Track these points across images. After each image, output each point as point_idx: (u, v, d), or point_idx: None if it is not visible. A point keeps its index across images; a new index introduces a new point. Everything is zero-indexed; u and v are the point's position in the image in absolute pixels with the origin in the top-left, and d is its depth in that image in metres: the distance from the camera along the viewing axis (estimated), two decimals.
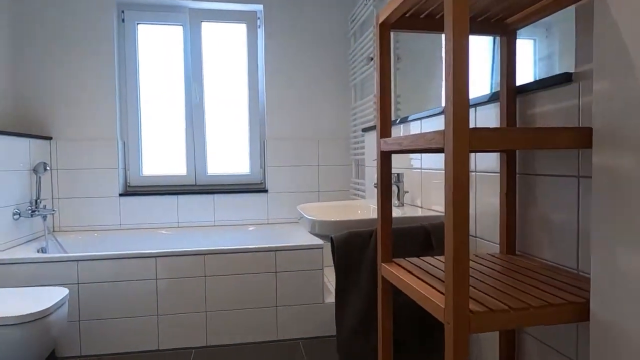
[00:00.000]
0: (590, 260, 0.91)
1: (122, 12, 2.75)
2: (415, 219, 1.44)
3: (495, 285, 0.87)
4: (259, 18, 2.89)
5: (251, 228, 2.78)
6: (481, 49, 1.39)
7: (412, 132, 1.78)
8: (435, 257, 1.15)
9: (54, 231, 2.60)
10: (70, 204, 2.63)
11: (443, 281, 0.91)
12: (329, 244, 2.06)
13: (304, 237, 2.34)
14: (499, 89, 1.16)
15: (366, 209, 1.89)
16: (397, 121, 1.89)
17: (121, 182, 2.73)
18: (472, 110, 1.33)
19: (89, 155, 2.64)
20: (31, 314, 1.52)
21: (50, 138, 2.60)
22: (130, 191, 2.77)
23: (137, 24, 2.78)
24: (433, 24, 1.07)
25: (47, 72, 2.60)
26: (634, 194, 0.65)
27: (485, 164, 1.27)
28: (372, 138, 2.36)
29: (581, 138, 0.78)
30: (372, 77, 2.49)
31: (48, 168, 2.53)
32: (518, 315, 0.73)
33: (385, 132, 1.09)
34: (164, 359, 1.97)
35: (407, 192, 1.83)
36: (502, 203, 1.12)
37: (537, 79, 1.09)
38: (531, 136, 0.77)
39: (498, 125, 1.20)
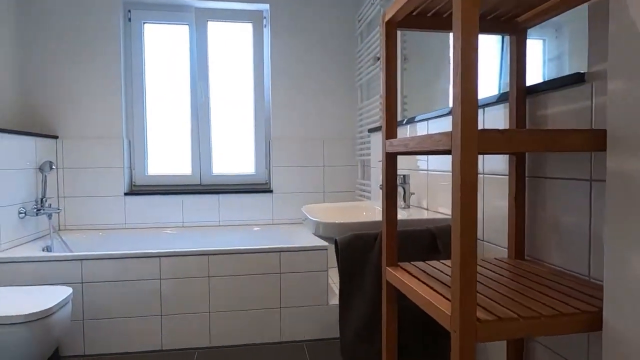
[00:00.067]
0: (602, 267, 0.88)
1: (129, 11, 2.75)
2: (421, 222, 1.42)
3: (503, 291, 0.85)
4: (265, 17, 2.88)
5: (256, 228, 2.76)
6: (489, 48, 1.36)
7: (418, 133, 1.76)
8: (442, 261, 1.12)
9: (59, 230, 2.60)
10: (76, 203, 2.64)
11: (449, 287, 0.89)
12: (333, 246, 2.04)
13: (309, 238, 2.32)
14: (507, 89, 1.13)
15: (372, 210, 1.86)
16: (404, 122, 1.87)
17: (126, 181, 2.73)
18: (480, 111, 1.30)
19: (95, 154, 2.65)
20: (34, 313, 1.52)
21: (56, 137, 2.60)
22: (135, 190, 2.77)
23: (144, 23, 2.78)
24: (441, 22, 1.04)
25: (54, 71, 2.60)
26: None
27: (493, 166, 1.24)
28: (378, 139, 2.34)
29: (595, 140, 0.76)
30: (379, 77, 2.46)
31: (54, 167, 2.54)
32: (528, 324, 0.71)
33: (390, 133, 1.06)
34: None
35: (413, 193, 1.80)
36: (511, 206, 1.09)
37: (546, 79, 1.06)
38: (542, 138, 0.75)
39: (507, 127, 1.17)
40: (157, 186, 2.82)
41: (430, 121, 1.65)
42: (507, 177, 1.17)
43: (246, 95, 2.91)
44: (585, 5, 0.91)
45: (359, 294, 1.32)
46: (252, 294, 2.11)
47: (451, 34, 1.24)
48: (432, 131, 1.63)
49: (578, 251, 0.94)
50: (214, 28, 2.86)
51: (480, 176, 1.31)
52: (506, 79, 1.29)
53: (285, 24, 2.82)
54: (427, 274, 0.99)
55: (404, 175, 1.75)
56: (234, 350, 2.06)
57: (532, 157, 1.09)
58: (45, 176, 2.41)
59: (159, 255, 2.04)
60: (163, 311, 2.05)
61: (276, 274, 2.12)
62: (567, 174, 0.97)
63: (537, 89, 1.05)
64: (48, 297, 1.65)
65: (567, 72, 0.99)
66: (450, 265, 1.07)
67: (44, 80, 2.60)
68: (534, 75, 1.12)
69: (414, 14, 1.02)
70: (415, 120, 1.75)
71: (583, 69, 0.92)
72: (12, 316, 1.49)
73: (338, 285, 1.86)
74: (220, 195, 2.79)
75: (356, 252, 1.31)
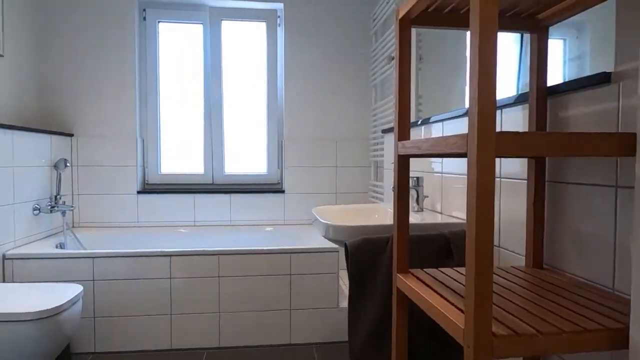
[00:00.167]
0: (628, 279, 0.82)
1: (144, 10, 2.76)
2: (434, 226, 1.37)
3: (521, 303, 0.80)
4: (279, 16, 2.86)
5: (268, 229, 2.75)
6: (507, 47, 1.31)
7: (433, 134, 1.71)
8: (455, 268, 1.08)
9: (73, 227, 2.63)
10: (89, 201, 2.66)
11: (463, 297, 0.85)
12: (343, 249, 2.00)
13: (321, 239, 2.29)
14: (526, 90, 1.08)
15: (384, 213, 1.82)
16: (419, 122, 1.82)
17: (139, 179, 2.74)
18: (497, 113, 1.25)
19: (109, 153, 2.66)
20: (44, 310, 1.52)
21: (71, 135, 2.63)
22: (148, 189, 2.78)
23: (158, 22, 2.79)
24: (458, 19, 1.00)
25: (70, 70, 2.63)
26: None
27: (511, 169, 1.19)
28: (391, 140, 2.29)
29: (622, 145, 0.71)
30: (393, 77, 2.41)
31: (68, 164, 2.56)
32: (547, 341, 0.66)
33: (403, 134, 1.02)
34: (175, 359, 1.96)
35: (427, 196, 1.76)
36: (529, 212, 1.04)
37: (567, 80, 1.01)
38: (565, 142, 0.70)
39: (526, 129, 1.12)
40: (169, 185, 2.82)
41: (445, 122, 1.60)
42: (525, 181, 1.12)
43: (259, 94, 2.89)
44: (610, 2, 0.86)
45: (368, 299, 1.28)
46: (262, 294, 2.09)
47: (468, 32, 1.19)
48: (447, 133, 1.58)
49: (601, 261, 0.89)
50: (228, 27, 2.85)
51: (496, 180, 1.26)
52: (525, 79, 1.24)
53: (299, 23, 2.80)
54: (440, 282, 0.95)
55: (418, 178, 1.70)
56: (243, 351, 2.04)
57: (552, 161, 1.04)
58: (60, 174, 2.44)
59: (169, 255, 2.03)
60: (173, 310, 2.04)
61: (286, 275, 2.10)
62: (591, 180, 0.92)
63: (558, 89, 1.00)
64: (59, 294, 1.66)
65: (587, 73, 0.94)
66: (464, 274, 1.03)
67: (60, 79, 2.62)
68: (554, 75, 1.07)
69: (429, 10, 0.98)
70: (430, 121, 1.70)
71: (606, 69, 0.86)
72: (23, 313, 1.50)
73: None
74: (232, 195, 2.78)
75: (367, 256, 1.27)
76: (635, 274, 0.65)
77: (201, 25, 2.82)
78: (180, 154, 2.86)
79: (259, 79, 2.89)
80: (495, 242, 1.26)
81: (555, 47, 1.07)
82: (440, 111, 1.75)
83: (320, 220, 1.45)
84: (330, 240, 1.42)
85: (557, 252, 1.02)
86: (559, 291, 0.87)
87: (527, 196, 1.06)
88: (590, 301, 0.81)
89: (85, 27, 2.63)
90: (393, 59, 2.36)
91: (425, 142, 0.85)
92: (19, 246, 2.11)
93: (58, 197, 2.41)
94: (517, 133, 0.69)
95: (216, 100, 2.83)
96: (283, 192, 2.82)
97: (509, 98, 1.18)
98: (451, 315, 0.74)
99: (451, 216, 1.56)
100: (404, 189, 1.03)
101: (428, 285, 0.93)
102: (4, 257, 1.98)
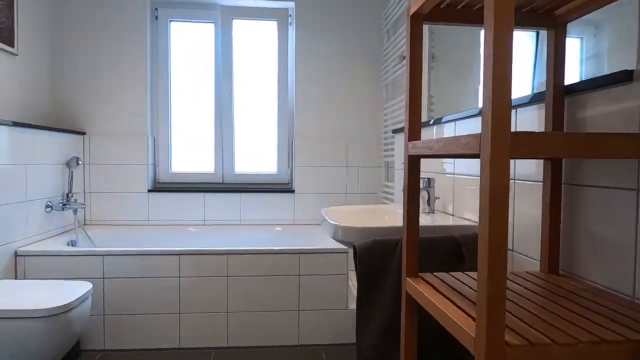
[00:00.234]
0: None
1: (156, 9, 2.77)
2: (445, 229, 1.34)
3: (535, 311, 0.77)
4: (290, 15, 2.84)
5: (277, 228, 2.73)
6: (522, 44, 1.27)
7: (445, 134, 1.67)
8: (467, 273, 1.05)
9: (84, 224, 2.65)
10: (101, 199, 2.68)
11: (474, 303, 0.82)
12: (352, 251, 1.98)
13: (330, 240, 2.27)
14: (542, 89, 1.04)
15: (394, 214, 1.79)
16: (431, 122, 1.79)
17: (150, 178, 2.75)
18: (512, 112, 1.22)
19: (120, 151, 2.68)
20: (53, 307, 1.53)
21: (83, 133, 2.65)
22: (159, 187, 2.79)
23: (170, 21, 2.80)
24: (472, 15, 0.97)
25: (82, 69, 2.65)
26: None
27: (526, 171, 1.16)
28: (401, 140, 2.26)
29: None
30: (404, 76, 2.38)
31: (80, 162, 2.58)
32: (563, 352, 0.63)
33: (413, 134, 1.00)
34: (184, 358, 1.96)
35: (438, 198, 1.72)
36: (545, 215, 1.01)
37: (583, 79, 0.97)
38: (583, 143, 0.67)
39: (542, 129, 1.08)
40: (180, 184, 2.83)
41: (458, 122, 1.56)
42: (541, 183, 1.08)
43: (270, 93, 2.88)
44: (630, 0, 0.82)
45: (377, 302, 1.26)
46: (271, 295, 2.07)
47: (483, 29, 1.16)
48: (460, 133, 1.55)
49: (621, 268, 0.85)
50: (239, 26, 2.85)
51: (510, 181, 1.22)
52: (540, 77, 1.20)
53: (311, 21, 2.78)
54: (450, 286, 0.92)
55: (429, 179, 1.67)
56: (251, 351, 2.03)
57: (569, 163, 1.00)
58: (72, 171, 2.46)
59: (178, 253, 2.03)
60: (182, 309, 2.04)
61: (295, 276, 2.08)
62: (610, 182, 0.88)
63: (576, 88, 0.96)
64: (68, 292, 1.67)
65: (605, 72, 0.90)
66: (476, 279, 1.00)
67: (72, 78, 2.65)
68: (571, 74, 1.03)
69: (441, 6, 0.95)
70: (442, 121, 1.67)
71: (626, 67, 0.83)
72: (32, 310, 1.51)
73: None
74: (242, 194, 2.78)
75: (376, 259, 1.25)
76: None
77: (212, 25, 2.82)
78: (191, 152, 2.87)
79: (270, 78, 2.88)
80: (509, 246, 1.23)
81: (572, 46, 1.04)
82: (452, 111, 1.72)
83: (329, 221, 1.43)
84: (338, 241, 1.40)
85: (574, 257, 0.98)
86: (576, 299, 0.83)
87: (542, 198, 1.02)
88: (609, 310, 0.77)
89: (98, 26, 2.65)
90: (404, 58, 2.32)
91: (437, 143, 0.83)
92: (30, 243, 2.13)
93: (70, 194, 2.43)
94: (532, 133, 0.66)
95: (227, 100, 2.83)
96: (293, 191, 2.81)
97: (524, 97, 1.15)
98: (462, 323, 0.72)
99: (463, 218, 1.52)
100: (414, 190, 1.00)
101: (438, 290, 0.90)
102: (16, 254, 2.00)
